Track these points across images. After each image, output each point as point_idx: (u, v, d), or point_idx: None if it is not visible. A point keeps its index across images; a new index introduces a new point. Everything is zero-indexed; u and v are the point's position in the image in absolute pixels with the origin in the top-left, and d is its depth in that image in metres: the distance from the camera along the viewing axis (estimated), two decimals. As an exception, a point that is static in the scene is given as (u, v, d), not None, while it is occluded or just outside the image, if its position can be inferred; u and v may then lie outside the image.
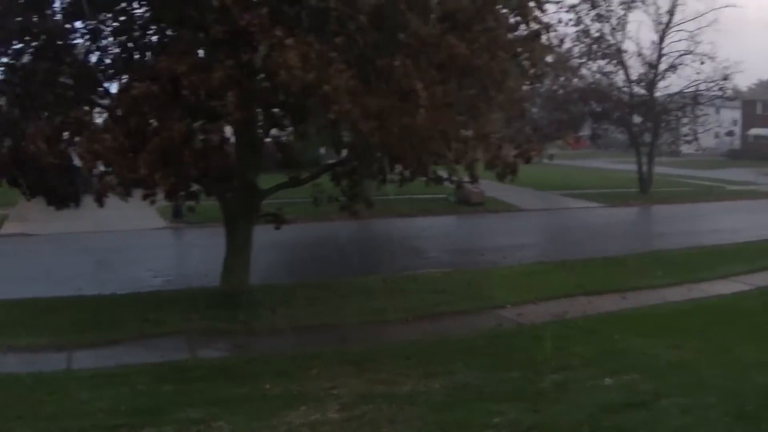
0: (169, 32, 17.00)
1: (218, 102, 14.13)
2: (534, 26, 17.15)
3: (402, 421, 10.35)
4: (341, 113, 13.97)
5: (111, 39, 17.65)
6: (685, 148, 72.26)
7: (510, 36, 16.98)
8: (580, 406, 11.11)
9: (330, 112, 13.96)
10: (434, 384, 11.98)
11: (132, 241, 28.45)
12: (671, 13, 52.92)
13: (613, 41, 52.07)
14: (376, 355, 13.54)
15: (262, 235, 19.24)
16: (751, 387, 12.29)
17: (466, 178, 17.75)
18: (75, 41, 17.59)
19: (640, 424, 10.55)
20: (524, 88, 19.29)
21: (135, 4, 17.42)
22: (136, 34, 17.40)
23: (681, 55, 52.80)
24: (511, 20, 17.01)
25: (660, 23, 53.17)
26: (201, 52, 15.79)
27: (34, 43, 16.79)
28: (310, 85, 13.60)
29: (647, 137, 54.79)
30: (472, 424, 10.36)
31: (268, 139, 18.20)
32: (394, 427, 10.18)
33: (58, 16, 17.12)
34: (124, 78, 17.13)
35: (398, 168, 17.59)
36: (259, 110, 16.33)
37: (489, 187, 33.85)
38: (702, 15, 52.61)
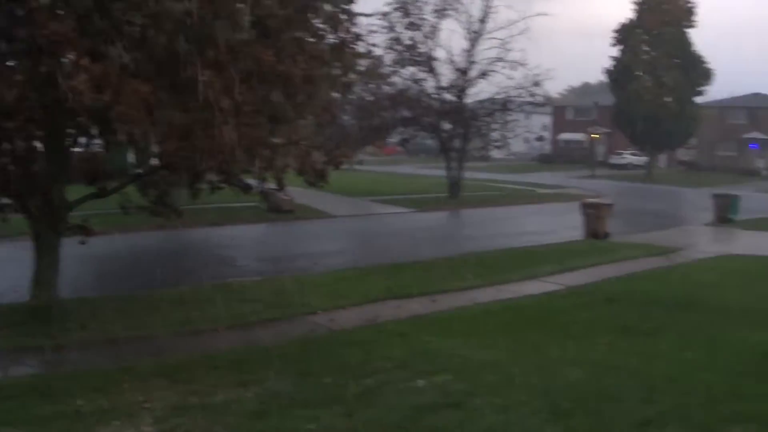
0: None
1: (10, 122, 13.81)
2: (345, 35, 17.34)
3: (216, 432, 10.36)
4: (131, 135, 13.87)
5: None
6: (495, 153, 73.92)
7: (320, 44, 17.10)
8: (394, 409, 11.25)
9: (124, 132, 13.84)
10: (247, 393, 11.93)
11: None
12: (483, 21, 54.09)
13: (424, 49, 52.90)
14: (189, 366, 13.38)
15: (72, 247, 18.85)
16: (563, 384, 12.70)
17: (275, 186, 17.77)
18: None
19: (455, 423, 10.76)
20: (334, 95, 19.42)
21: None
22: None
23: (492, 63, 53.92)
24: (322, 29, 17.15)
25: (472, 31, 54.20)
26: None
27: None
28: (102, 106, 13.41)
29: (457, 142, 55.71)
30: (287, 431, 10.42)
31: (76, 149, 17.84)
32: (208, 438, 10.16)
33: None
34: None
35: (207, 176, 17.51)
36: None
37: (300, 194, 33.95)
38: (514, 23, 53.80)
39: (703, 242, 36.22)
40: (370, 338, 15.67)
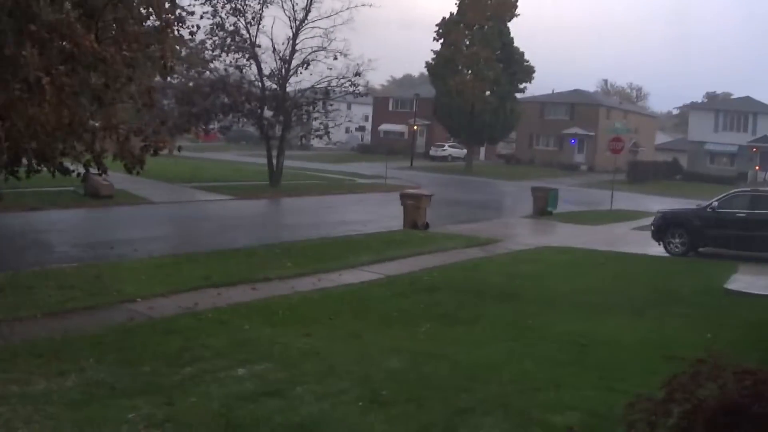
0: None
1: None
2: (167, 17, 17.22)
3: (37, 421, 10.06)
4: None
5: None
6: (316, 142, 74.26)
7: (142, 27, 16.97)
8: (214, 397, 11.26)
9: None
10: (67, 381, 11.72)
11: None
12: (307, 10, 54.35)
13: (247, 35, 52.74)
14: (8, 355, 13.02)
15: None
16: (382, 371, 12.95)
17: (95, 170, 17.57)
18: None
19: (275, 411, 10.83)
20: (155, 79, 19.27)
21: None
22: None
23: (314, 51, 54.26)
24: (143, 11, 17.02)
25: (295, 20, 54.36)
26: None
27: None
28: None
29: (278, 131, 55.74)
30: (107, 420, 10.25)
31: None
32: (29, 428, 9.85)
33: None
34: None
35: (25, 159, 17.18)
36: None
37: (119, 179, 33.45)
38: (338, 13, 54.23)
39: (523, 234, 37.26)
40: (190, 326, 15.58)
